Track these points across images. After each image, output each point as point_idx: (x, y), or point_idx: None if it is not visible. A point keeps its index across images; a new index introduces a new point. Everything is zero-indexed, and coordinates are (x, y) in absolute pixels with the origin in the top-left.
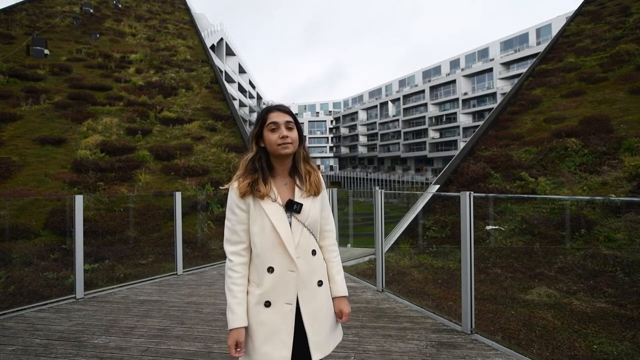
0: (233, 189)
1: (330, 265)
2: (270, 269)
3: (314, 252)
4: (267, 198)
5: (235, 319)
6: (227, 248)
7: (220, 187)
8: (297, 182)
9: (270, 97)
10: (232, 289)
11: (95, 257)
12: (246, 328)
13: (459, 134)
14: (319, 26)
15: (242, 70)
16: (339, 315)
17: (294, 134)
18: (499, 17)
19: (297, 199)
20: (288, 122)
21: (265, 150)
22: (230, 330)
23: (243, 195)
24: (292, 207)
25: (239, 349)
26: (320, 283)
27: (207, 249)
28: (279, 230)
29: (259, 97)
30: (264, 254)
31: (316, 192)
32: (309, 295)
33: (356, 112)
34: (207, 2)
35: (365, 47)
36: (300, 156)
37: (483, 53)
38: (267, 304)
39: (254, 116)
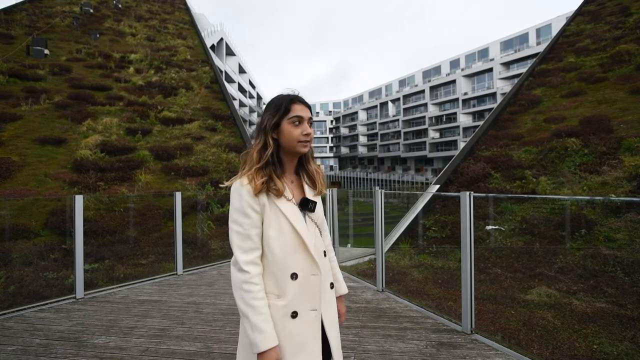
0: (244, 186)
1: (332, 264)
2: (294, 275)
3: (324, 254)
4: (282, 197)
5: (267, 338)
6: (241, 257)
7: (220, 185)
8: (306, 179)
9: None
10: (254, 305)
11: (95, 257)
12: None
13: (459, 134)
14: (326, 28)
15: (242, 70)
16: (339, 314)
17: (312, 132)
18: (500, 18)
19: (309, 197)
20: (310, 118)
21: (277, 144)
22: (262, 353)
23: (257, 194)
24: (307, 206)
25: None
26: (332, 285)
27: (207, 249)
28: (299, 231)
29: (259, 97)
30: (285, 260)
31: (323, 191)
32: (327, 299)
33: (356, 112)
34: (214, 4)
35: (370, 49)
36: (310, 154)
37: (483, 53)
38: (294, 314)
39: (254, 116)
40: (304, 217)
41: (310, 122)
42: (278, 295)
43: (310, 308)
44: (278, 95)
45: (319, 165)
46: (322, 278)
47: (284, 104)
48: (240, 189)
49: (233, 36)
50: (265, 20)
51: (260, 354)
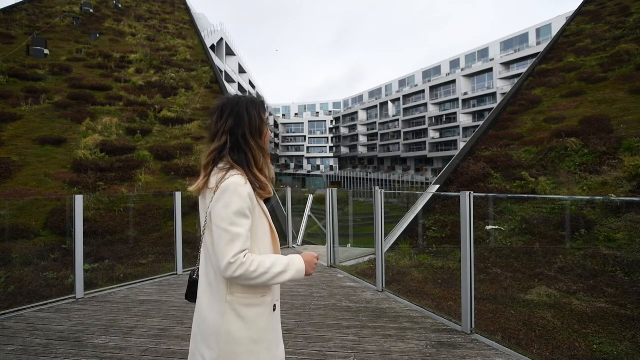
0: (242, 186)
1: None
2: None
3: None
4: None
5: (294, 263)
6: (240, 257)
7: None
8: None
9: (280, 98)
10: (269, 266)
11: (95, 257)
12: (261, 341)
13: (459, 134)
14: (343, 34)
15: (242, 70)
16: None
17: None
18: (500, 18)
19: None
20: None
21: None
22: (304, 268)
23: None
24: (269, 203)
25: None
26: None
27: None
28: (273, 228)
29: None
30: None
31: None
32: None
33: (356, 112)
34: (232, 6)
35: (385, 53)
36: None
37: (483, 53)
38: (274, 308)
39: None
40: None
41: None
42: (263, 294)
43: (277, 299)
44: (256, 98)
45: None
46: None
47: (263, 108)
48: (240, 189)
49: (234, 37)
50: (287, 24)
51: (306, 271)
